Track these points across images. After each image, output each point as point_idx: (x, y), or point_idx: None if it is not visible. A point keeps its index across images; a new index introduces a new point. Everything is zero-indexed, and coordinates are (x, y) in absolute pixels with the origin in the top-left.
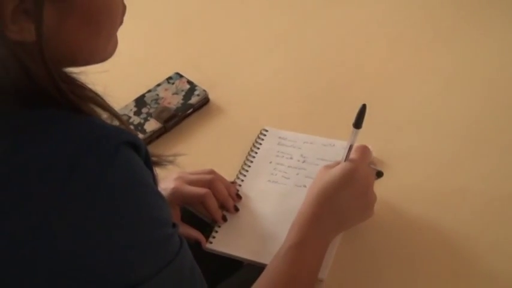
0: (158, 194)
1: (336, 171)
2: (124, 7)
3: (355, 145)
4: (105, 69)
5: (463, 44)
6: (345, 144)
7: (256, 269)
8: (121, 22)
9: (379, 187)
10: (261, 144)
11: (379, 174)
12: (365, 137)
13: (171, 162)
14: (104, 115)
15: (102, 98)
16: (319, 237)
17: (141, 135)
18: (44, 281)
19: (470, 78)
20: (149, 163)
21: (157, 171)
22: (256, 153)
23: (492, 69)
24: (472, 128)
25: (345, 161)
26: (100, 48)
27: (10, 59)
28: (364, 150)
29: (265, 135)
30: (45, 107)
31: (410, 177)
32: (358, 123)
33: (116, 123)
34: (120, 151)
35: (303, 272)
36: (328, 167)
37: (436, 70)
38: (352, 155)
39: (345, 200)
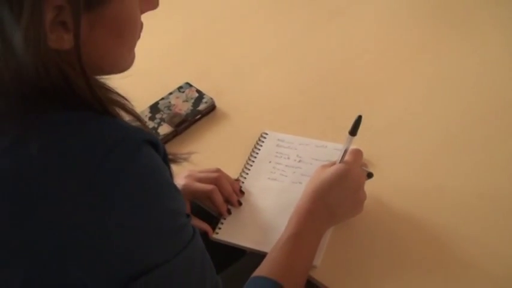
0: (175, 187)
1: (331, 170)
2: (141, 24)
3: (352, 149)
4: (125, 75)
5: (441, 57)
6: (336, 146)
7: (258, 256)
8: (139, 36)
9: (368, 184)
10: (261, 146)
11: (370, 176)
12: (356, 140)
13: (185, 159)
14: (127, 117)
15: (127, 101)
16: (314, 229)
17: None
18: (77, 261)
19: (448, 88)
20: (166, 160)
21: (173, 167)
22: (257, 153)
23: (467, 80)
24: (450, 131)
25: (339, 162)
26: (122, 58)
27: (50, 65)
28: (357, 154)
29: (265, 137)
30: (77, 108)
31: (395, 175)
32: (353, 131)
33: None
34: (141, 148)
35: (299, 259)
36: (325, 167)
37: (418, 81)
38: (346, 158)
39: (337, 197)
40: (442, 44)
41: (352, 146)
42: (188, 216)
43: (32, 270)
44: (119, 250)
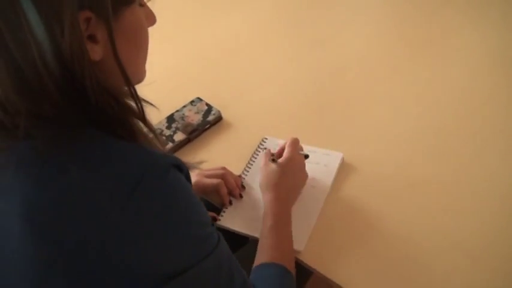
0: (198, 201)
1: (276, 164)
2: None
3: (290, 139)
4: (148, 91)
5: (412, 76)
6: (323, 151)
7: (257, 243)
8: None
9: (351, 184)
10: (261, 149)
11: (306, 157)
12: (340, 147)
13: (196, 167)
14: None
15: (151, 126)
16: (285, 212)
17: (170, 144)
18: (118, 269)
19: (417, 102)
20: (188, 176)
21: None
22: (257, 155)
23: (433, 96)
24: (420, 139)
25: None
26: (139, 69)
27: (92, 76)
28: (294, 142)
29: (265, 142)
30: (113, 133)
31: (372, 176)
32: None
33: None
34: (169, 172)
35: (285, 239)
36: (267, 164)
37: (392, 97)
38: (288, 148)
39: (288, 181)
40: (413, 64)
41: (334, 148)
42: (213, 225)
43: (79, 276)
44: (154, 257)
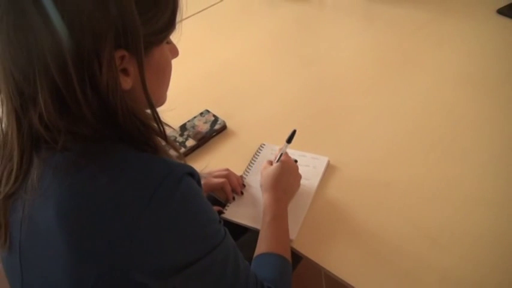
0: (208, 203)
1: (275, 168)
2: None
3: (285, 152)
4: (170, 108)
5: (390, 89)
6: (312, 155)
7: (256, 234)
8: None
9: (335, 183)
10: (260, 153)
11: (296, 161)
12: (327, 151)
13: (205, 176)
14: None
15: (173, 143)
16: (282, 208)
17: (183, 149)
18: (142, 263)
19: (395, 111)
20: (200, 182)
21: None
22: (256, 158)
23: (408, 105)
24: (395, 144)
25: (277, 161)
26: (162, 95)
27: (121, 101)
28: (287, 155)
29: (263, 147)
30: (137, 147)
31: (353, 177)
32: (289, 140)
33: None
34: (183, 179)
35: (282, 231)
36: (266, 168)
37: (374, 106)
38: (283, 157)
39: (286, 182)
40: (389, 80)
41: (330, 154)
42: (220, 221)
43: (108, 268)
44: (171, 250)
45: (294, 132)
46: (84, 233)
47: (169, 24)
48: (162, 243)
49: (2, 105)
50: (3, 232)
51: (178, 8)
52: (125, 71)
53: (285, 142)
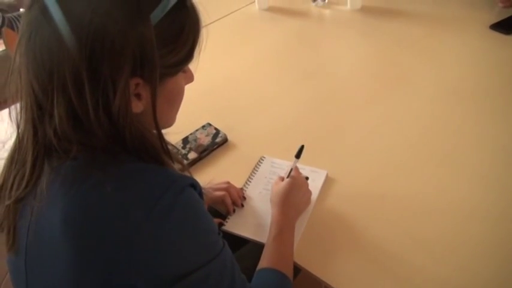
0: (208, 214)
1: (285, 184)
2: None
3: (294, 167)
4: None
5: (385, 104)
6: (311, 169)
7: (256, 245)
8: None
9: (334, 196)
10: (260, 166)
11: (307, 179)
12: (326, 164)
13: (206, 189)
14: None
15: (178, 156)
16: (289, 224)
17: (185, 161)
18: (139, 267)
19: (391, 124)
20: (201, 193)
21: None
22: (256, 171)
23: (402, 119)
24: (390, 157)
25: (287, 177)
26: (171, 118)
27: (132, 124)
28: (296, 168)
29: (263, 160)
30: (142, 159)
31: (351, 189)
32: (298, 156)
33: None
34: (185, 190)
35: (286, 247)
36: (277, 183)
37: (369, 120)
38: (292, 173)
39: (295, 198)
40: (383, 94)
41: (324, 165)
42: (219, 233)
43: (108, 274)
44: (171, 259)
45: (302, 147)
46: (88, 241)
47: (186, 58)
48: (162, 252)
49: (22, 112)
50: (11, 235)
51: (198, 43)
52: (138, 96)
53: (294, 158)
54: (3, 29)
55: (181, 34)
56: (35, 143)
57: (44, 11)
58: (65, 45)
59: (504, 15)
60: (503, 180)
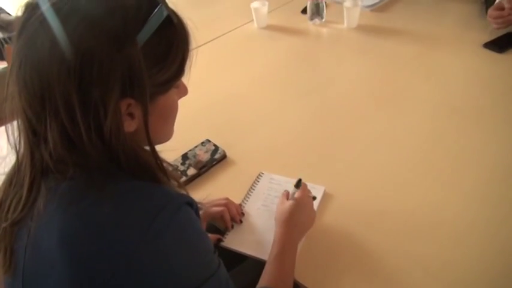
0: (204, 233)
1: (290, 203)
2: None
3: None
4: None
5: (379, 122)
6: (310, 185)
7: (254, 261)
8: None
9: (331, 212)
10: (258, 182)
11: (314, 198)
12: (323, 180)
13: (203, 206)
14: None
15: (174, 173)
16: (291, 244)
17: (184, 178)
18: (136, 283)
19: (385, 142)
20: (198, 212)
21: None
22: (255, 187)
23: (397, 135)
24: (387, 173)
25: (291, 198)
26: (166, 134)
27: (125, 143)
28: (305, 187)
29: (261, 176)
30: (139, 177)
31: (348, 205)
32: (297, 185)
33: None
34: (181, 208)
35: (287, 268)
36: (283, 202)
37: (366, 137)
38: (298, 192)
39: (299, 218)
40: (380, 111)
41: (319, 180)
42: (215, 252)
43: None
44: (167, 278)
45: (299, 181)
46: (85, 260)
47: (177, 74)
48: (158, 270)
49: (20, 137)
50: (8, 258)
51: (188, 59)
52: (131, 115)
53: (293, 187)
54: (6, 46)
55: (169, 52)
56: (32, 167)
57: (33, 39)
58: (55, 71)
59: (497, 34)
60: (499, 195)
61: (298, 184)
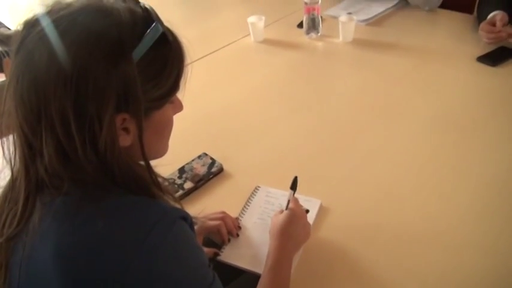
0: (198, 246)
1: (284, 216)
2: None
3: (292, 198)
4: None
5: (373, 136)
6: (305, 198)
7: (251, 275)
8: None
9: (327, 225)
10: (255, 195)
11: (307, 211)
12: (319, 193)
13: (198, 220)
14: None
15: (169, 188)
16: (286, 258)
17: (181, 191)
18: None
19: (380, 156)
20: (192, 226)
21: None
22: (251, 201)
23: (392, 148)
24: (382, 186)
25: (286, 209)
26: (161, 148)
27: (120, 157)
28: (296, 200)
29: (258, 190)
30: (134, 192)
31: (344, 217)
32: (293, 187)
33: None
34: (175, 223)
35: (281, 279)
36: (277, 215)
37: (360, 151)
38: (290, 205)
39: (293, 231)
40: (375, 125)
41: (318, 196)
42: (209, 265)
43: None
44: None
45: (295, 178)
46: (80, 275)
47: (171, 90)
48: (153, 284)
49: (15, 152)
50: (2, 273)
51: (183, 75)
52: (126, 130)
53: (289, 189)
54: (5, 60)
55: (164, 69)
56: (27, 182)
57: (30, 55)
58: (51, 86)
59: (490, 48)
60: (495, 208)
61: (294, 185)
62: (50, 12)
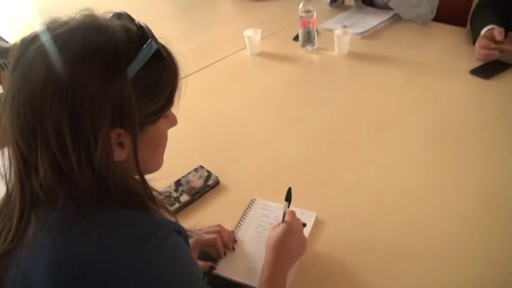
0: (193, 260)
1: (280, 229)
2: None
3: (288, 211)
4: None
5: (368, 149)
6: (301, 211)
7: None
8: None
9: (323, 238)
10: (251, 208)
11: (304, 225)
12: (315, 206)
13: (193, 233)
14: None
15: (163, 202)
16: (280, 272)
17: (177, 204)
18: None
19: (373, 167)
20: (187, 239)
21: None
22: (247, 214)
23: (386, 161)
24: (377, 199)
25: (282, 222)
26: (155, 164)
27: (114, 172)
28: (293, 213)
29: (254, 203)
30: (128, 206)
31: (340, 230)
32: (287, 199)
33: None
34: (169, 236)
35: None
36: (274, 228)
37: (355, 164)
38: (287, 218)
39: (289, 245)
40: (369, 138)
41: (316, 210)
42: (204, 279)
43: None
44: None
45: (289, 190)
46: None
47: (165, 105)
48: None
49: (10, 167)
50: None
51: (177, 90)
52: (121, 145)
53: (284, 201)
54: (2, 73)
55: (159, 84)
56: (22, 197)
57: (26, 72)
58: (47, 102)
59: (483, 61)
60: (491, 220)
61: (289, 196)
62: (47, 30)
